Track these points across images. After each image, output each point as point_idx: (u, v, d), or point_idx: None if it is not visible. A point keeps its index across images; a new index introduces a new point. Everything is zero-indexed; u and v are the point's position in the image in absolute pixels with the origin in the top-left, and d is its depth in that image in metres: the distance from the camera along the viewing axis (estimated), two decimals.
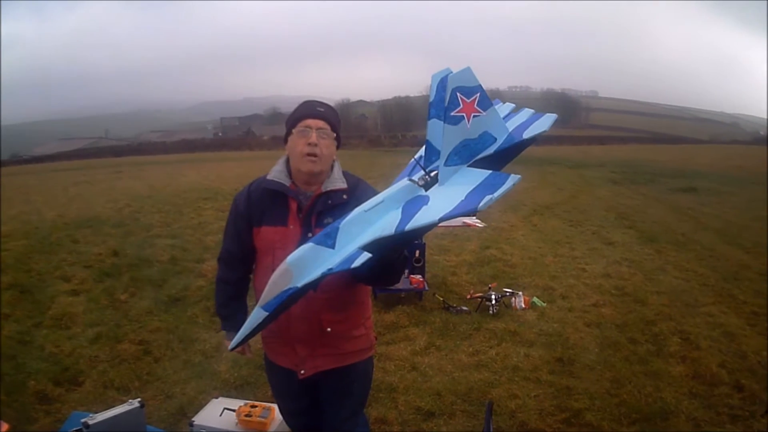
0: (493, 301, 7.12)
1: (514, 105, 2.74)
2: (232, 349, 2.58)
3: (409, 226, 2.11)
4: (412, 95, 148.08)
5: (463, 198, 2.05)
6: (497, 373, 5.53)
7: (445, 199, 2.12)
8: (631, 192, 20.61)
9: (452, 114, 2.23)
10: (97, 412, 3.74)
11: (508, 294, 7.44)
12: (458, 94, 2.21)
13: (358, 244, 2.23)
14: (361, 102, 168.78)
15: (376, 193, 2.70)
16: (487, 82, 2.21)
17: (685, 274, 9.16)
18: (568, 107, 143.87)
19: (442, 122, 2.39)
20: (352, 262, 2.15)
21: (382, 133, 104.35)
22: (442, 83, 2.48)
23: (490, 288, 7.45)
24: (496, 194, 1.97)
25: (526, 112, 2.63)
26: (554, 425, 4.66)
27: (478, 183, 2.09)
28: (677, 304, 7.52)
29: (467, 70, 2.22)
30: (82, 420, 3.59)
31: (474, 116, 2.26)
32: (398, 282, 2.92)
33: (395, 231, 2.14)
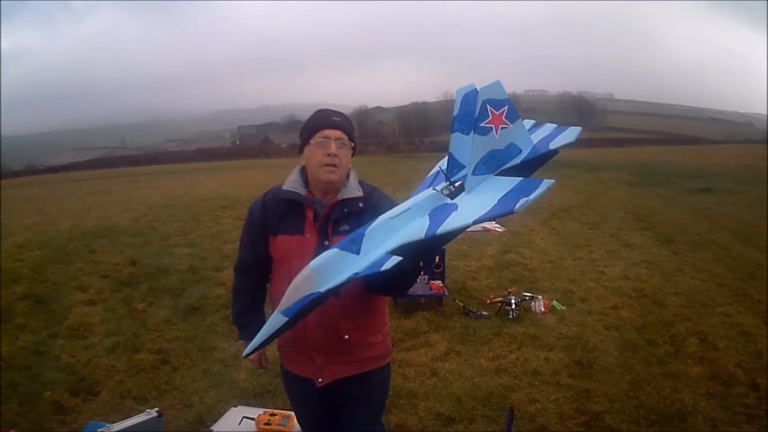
0: (513, 306, 7.10)
1: (534, 121, 2.80)
2: (247, 355, 2.55)
3: (440, 230, 2.16)
4: (429, 101, 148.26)
5: (495, 202, 2.12)
6: (517, 377, 5.51)
7: (477, 204, 2.19)
8: (648, 194, 20.52)
9: (481, 125, 2.31)
10: (114, 422, 3.73)
11: (527, 298, 7.40)
12: (488, 106, 2.29)
13: (383, 249, 2.25)
14: (378, 108, 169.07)
15: (391, 201, 2.79)
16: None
17: (702, 274, 9.12)
18: (584, 110, 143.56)
19: (465, 136, 2.51)
20: (380, 266, 2.16)
21: (400, 139, 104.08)
22: (466, 98, 2.55)
23: (509, 292, 7.43)
24: (531, 196, 2.04)
25: (549, 127, 2.73)
26: (574, 428, 4.64)
27: (510, 188, 2.16)
28: (695, 305, 7.49)
29: (497, 84, 2.32)
30: (99, 430, 3.59)
31: (502, 128, 2.35)
32: (407, 291, 2.93)
33: (425, 235, 2.18)
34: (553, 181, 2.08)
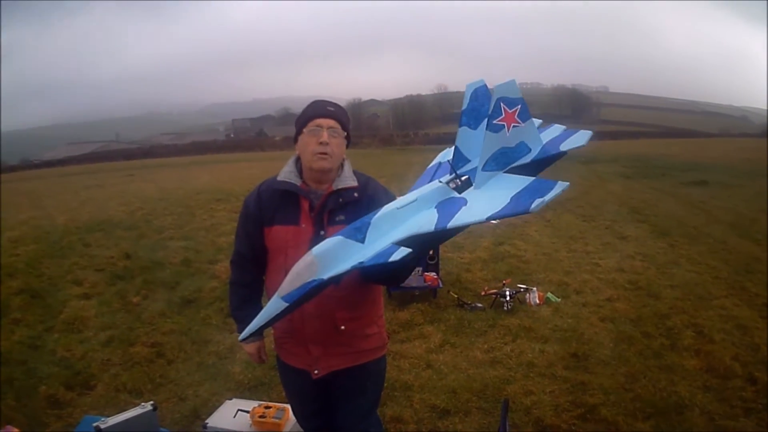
0: (508, 298, 7.08)
1: (541, 120, 2.81)
2: (243, 339, 2.58)
3: (451, 224, 2.21)
4: (423, 93, 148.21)
5: (508, 201, 2.16)
6: (512, 369, 5.51)
7: (488, 200, 2.24)
8: (643, 186, 20.47)
9: (494, 122, 2.36)
10: (109, 416, 3.72)
11: (522, 290, 7.40)
12: (502, 104, 2.34)
13: (389, 239, 2.28)
14: (372, 101, 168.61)
15: (387, 192, 2.81)
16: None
17: (698, 267, 9.11)
18: (578, 103, 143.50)
19: (472, 130, 2.59)
20: (388, 256, 2.18)
21: (394, 131, 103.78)
22: (475, 93, 2.62)
23: (504, 284, 7.44)
24: (547, 197, 2.06)
25: (557, 128, 2.76)
26: (569, 421, 4.63)
27: (522, 187, 2.21)
28: (690, 298, 7.48)
29: (512, 83, 2.37)
30: (94, 424, 3.57)
31: (514, 126, 2.41)
32: (403, 282, 2.93)
33: (435, 228, 2.22)
34: (567, 183, 2.10)
